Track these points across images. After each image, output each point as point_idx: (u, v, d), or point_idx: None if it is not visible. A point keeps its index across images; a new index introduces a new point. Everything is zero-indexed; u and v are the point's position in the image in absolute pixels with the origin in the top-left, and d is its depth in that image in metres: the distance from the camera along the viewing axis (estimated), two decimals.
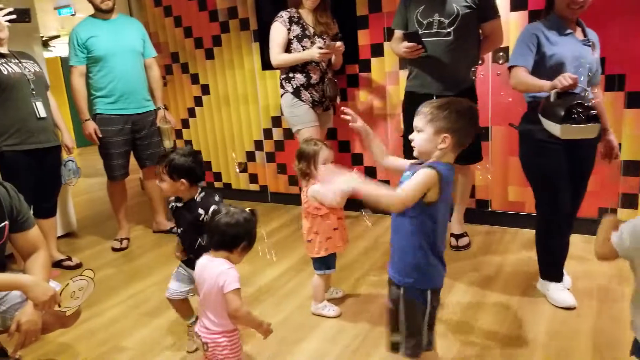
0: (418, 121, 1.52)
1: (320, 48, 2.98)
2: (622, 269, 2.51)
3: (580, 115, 1.94)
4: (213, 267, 1.62)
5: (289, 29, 3.10)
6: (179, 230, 2.02)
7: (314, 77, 3.14)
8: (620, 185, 2.91)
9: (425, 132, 1.50)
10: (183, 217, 1.98)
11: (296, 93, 3.18)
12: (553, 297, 2.31)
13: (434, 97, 2.70)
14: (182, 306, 2.13)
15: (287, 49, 3.12)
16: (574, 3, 2.12)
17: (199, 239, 1.93)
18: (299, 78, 3.15)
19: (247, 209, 1.67)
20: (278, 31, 3.10)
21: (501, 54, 3.04)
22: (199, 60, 4.23)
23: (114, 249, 3.46)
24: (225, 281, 1.58)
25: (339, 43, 3.00)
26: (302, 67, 3.13)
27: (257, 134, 4.15)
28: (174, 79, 4.41)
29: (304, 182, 2.26)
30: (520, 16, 2.94)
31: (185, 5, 4.17)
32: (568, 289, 2.35)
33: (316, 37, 3.12)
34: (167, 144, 3.53)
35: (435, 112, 1.48)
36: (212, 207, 1.87)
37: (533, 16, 2.88)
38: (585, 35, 2.23)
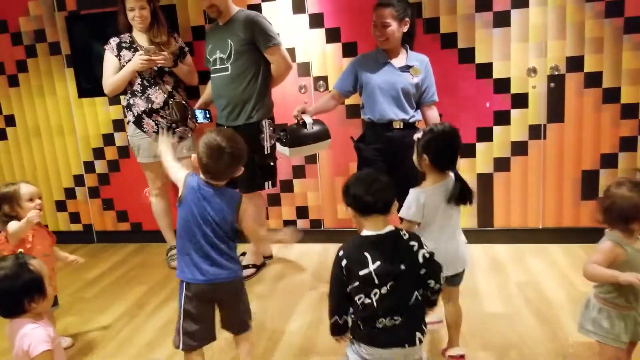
0: None
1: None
2: None
3: (283, 140, 2.63)
4: (16, 328, 1.42)
5: (117, 56, 2.91)
6: None
7: (157, 102, 2.89)
8: None
9: None
10: None
11: (137, 122, 2.94)
12: None
13: (225, 127, 2.77)
14: None
15: None
16: (378, 36, 2.47)
17: None
18: (140, 104, 2.90)
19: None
20: (106, 59, 2.94)
21: (321, 82, 3.26)
22: (0, 88, 3.72)
23: None
24: (30, 344, 1.37)
25: (161, 56, 2.78)
26: (142, 91, 2.89)
27: (77, 168, 3.76)
28: None
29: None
30: (335, 47, 3.20)
31: None
32: None
33: None
34: None
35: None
36: None
37: (346, 48, 3.17)
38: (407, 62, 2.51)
